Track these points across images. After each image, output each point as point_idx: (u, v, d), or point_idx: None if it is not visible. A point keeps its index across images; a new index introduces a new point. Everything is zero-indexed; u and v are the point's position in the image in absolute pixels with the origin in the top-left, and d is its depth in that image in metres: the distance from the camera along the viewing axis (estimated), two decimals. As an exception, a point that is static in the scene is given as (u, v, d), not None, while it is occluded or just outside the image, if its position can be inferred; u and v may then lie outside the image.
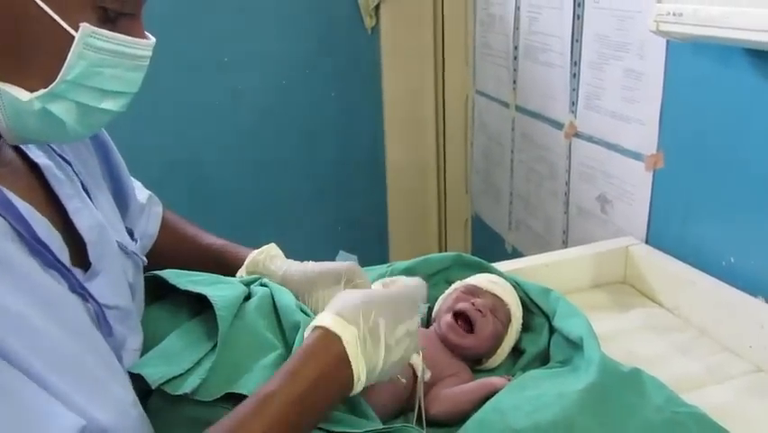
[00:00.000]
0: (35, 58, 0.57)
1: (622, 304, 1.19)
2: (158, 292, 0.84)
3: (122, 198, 0.89)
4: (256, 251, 0.95)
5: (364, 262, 0.98)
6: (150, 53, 0.64)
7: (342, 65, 2.17)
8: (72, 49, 0.57)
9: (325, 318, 0.66)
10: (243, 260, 0.94)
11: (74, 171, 0.74)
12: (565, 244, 1.61)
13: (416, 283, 0.77)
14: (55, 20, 0.56)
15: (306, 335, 0.68)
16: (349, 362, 0.64)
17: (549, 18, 1.56)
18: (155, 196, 0.99)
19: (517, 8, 1.72)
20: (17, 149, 0.68)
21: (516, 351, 1.00)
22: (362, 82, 2.21)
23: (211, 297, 0.77)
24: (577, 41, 1.45)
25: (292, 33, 2.10)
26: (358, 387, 0.66)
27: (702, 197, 1.16)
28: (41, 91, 0.57)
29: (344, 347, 0.64)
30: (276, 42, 2.10)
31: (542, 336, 0.99)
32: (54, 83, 0.58)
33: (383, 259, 2.06)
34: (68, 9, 0.56)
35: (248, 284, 0.87)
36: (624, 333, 1.09)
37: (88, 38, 0.57)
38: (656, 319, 1.13)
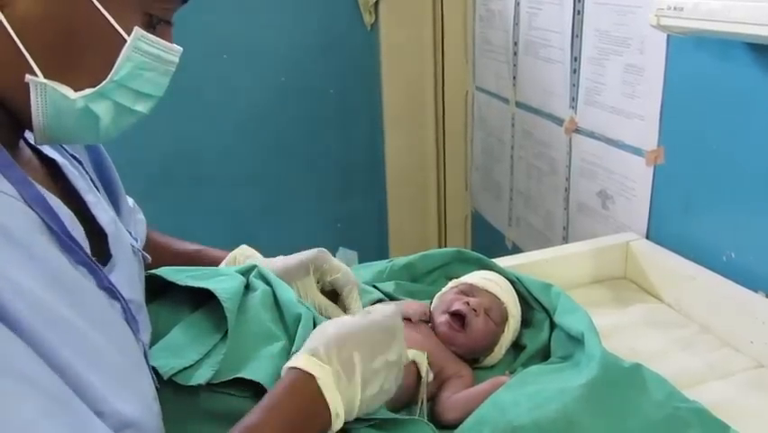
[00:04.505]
0: (85, 58, 0.59)
1: (623, 299, 1.19)
2: (154, 292, 0.84)
3: (114, 200, 0.89)
4: (230, 253, 0.97)
5: (364, 258, 0.98)
6: (177, 60, 0.66)
7: (342, 62, 2.17)
8: (123, 50, 0.59)
9: (299, 360, 0.67)
10: (218, 262, 0.96)
11: (84, 170, 0.76)
12: (566, 240, 1.61)
13: (392, 311, 0.75)
14: (110, 22, 0.58)
15: (282, 374, 0.68)
16: (325, 400, 0.65)
17: (549, 13, 1.55)
18: (136, 204, 0.99)
19: (517, 4, 1.72)
20: (32, 147, 0.69)
21: (517, 347, 1.00)
22: (362, 79, 2.21)
23: (215, 290, 0.78)
24: (577, 36, 1.45)
25: (291, 30, 2.10)
26: (337, 423, 0.66)
27: (703, 192, 1.15)
28: (89, 90, 0.59)
29: (319, 386, 0.65)
30: (275, 39, 2.09)
31: (543, 332, 0.99)
32: (103, 83, 0.60)
33: (383, 255, 2.06)
34: (121, 13, 0.59)
35: (244, 273, 0.88)
36: (624, 328, 1.08)
37: (138, 41, 0.60)
38: (657, 315, 1.13)
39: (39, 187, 0.59)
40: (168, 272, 0.84)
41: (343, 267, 0.92)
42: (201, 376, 0.71)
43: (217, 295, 0.78)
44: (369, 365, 0.68)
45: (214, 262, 0.96)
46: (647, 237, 1.28)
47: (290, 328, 0.80)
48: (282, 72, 2.13)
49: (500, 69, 1.87)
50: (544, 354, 0.97)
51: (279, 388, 0.66)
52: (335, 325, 0.71)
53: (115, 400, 0.53)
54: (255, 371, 0.72)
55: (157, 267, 0.87)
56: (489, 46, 1.94)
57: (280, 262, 0.93)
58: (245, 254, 0.98)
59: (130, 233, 0.84)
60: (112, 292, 0.63)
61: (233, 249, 0.99)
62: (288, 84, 2.14)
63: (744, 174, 1.06)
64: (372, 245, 2.34)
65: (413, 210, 2.37)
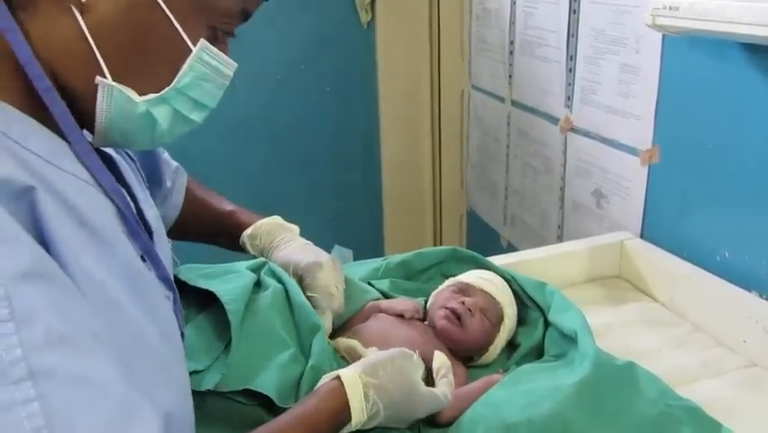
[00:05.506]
0: (153, 64, 0.61)
1: (617, 298, 1.19)
2: None
3: (156, 183, 0.93)
4: (259, 221, 1.01)
5: (359, 256, 0.98)
6: (232, 74, 0.68)
7: (338, 60, 2.17)
8: (188, 60, 0.62)
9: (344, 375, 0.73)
10: (245, 227, 1.00)
11: (137, 167, 0.79)
12: (560, 239, 1.61)
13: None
14: (179, 32, 0.61)
15: (322, 382, 0.74)
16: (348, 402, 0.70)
17: (545, 12, 1.56)
18: (181, 167, 1.03)
19: (513, 3, 1.72)
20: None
21: (511, 345, 1.00)
22: (358, 77, 2.21)
23: (218, 292, 0.79)
24: (573, 35, 1.45)
25: (288, 28, 2.10)
26: (356, 418, 0.71)
27: (697, 191, 1.16)
28: (152, 95, 0.62)
29: (345, 388, 0.71)
30: (271, 38, 2.08)
31: (537, 330, 0.99)
32: (167, 89, 0.62)
33: (378, 253, 2.05)
34: (189, 25, 0.61)
35: (256, 270, 0.88)
36: (618, 327, 1.09)
37: (202, 52, 0.63)
38: (651, 314, 1.13)
39: (113, 178, 0.62)
40: (179, 271, 0.85)
41: (328, 289, 0.90)
42: (210, 381, 0.72)
43: (220, 298, 0.78)
44: (390, 378, 0.73)
45: (243, 226, 1.00)
46: (642, 236, 1.29)
47: (303, 336, 0.81)
48: (279, 71, 2.13)
49: (496, 68, 1.87)
50: (537, 353, 0.97)
51: (316, 400, 0.71)
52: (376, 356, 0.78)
53: (158, 391, 0.54)
54: (264, 382, 0.73)
55: (193, 223, 0.94)
56: (484, 45, 1.94)
57: (284, 252, 0.96)
58: (274, 223, 1.01)
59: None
60: (168, 283, 0.66)
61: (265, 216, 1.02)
62: (284, 82, 2.14)
63: (738, 174, 1.06)
64: (368, 243, 2.34)
65: (408, 208, 2.37)
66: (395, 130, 2.27)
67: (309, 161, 2.24)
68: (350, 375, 0.72)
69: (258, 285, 0.87)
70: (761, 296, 1.02)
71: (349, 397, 0.70)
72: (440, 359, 0.84)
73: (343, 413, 0.70)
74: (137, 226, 0.61)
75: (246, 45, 2.10)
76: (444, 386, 0.80)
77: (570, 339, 0.91)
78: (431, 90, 2.24)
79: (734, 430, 0.79)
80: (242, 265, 0.90)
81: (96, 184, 0.59)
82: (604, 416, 0.77)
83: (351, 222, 2.33)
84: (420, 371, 0.78)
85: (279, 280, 0.88)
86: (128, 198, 0.63)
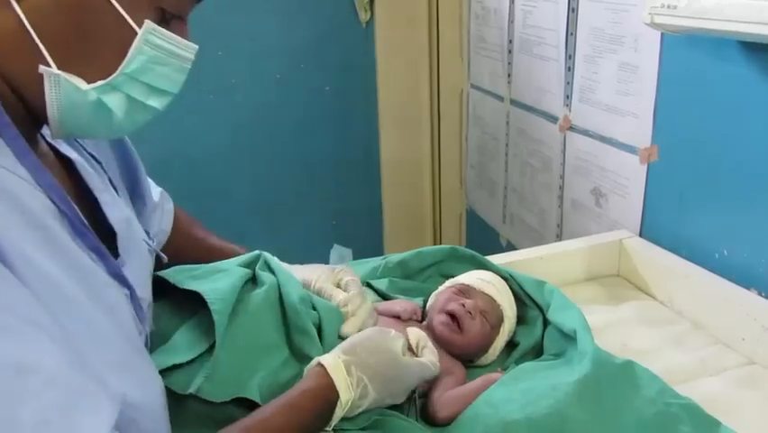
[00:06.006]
0: (97, 50, 0.60)
1: (616, 297, 1.20)
2: (161, 291, 0.84)
3: (138, 198, 0.90)
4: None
5: (358, 255, 0.98)
6: (193, 57, 0.66)
7: (337, 59, 2.17)
8: (134, 43, 0.60)
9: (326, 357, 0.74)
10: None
11: (103, 169, 0.77)
12: (559, 238, 1.61)
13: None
14: (121, 15, 0.59)
15: (308, 368, 0.74)
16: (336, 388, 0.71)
17: (544, 11, 1.56)
18: (165, 192, 1.01)
19: (512, 1, 1.72)
20: (49, 144, 0.70)
21: (511, 344, 1.00)
22: (357, 76, 2.21)
23: (204, 293, 0.78)
24: (571, 34, 1.45)
25: (287, 28, 2.10)
26: (344, 395, 0.71)
27: (696, 190, 1.16)
28: (100, 82, 0.60)
29: (328, 372, 0.71)
30: (271, 37, 2.09)
31: (536, 329, 0.99)
32: (114, 75, 0.60)
33: (377, 253, 2.05)
34: (132, 6, 0.59)
35: (249, 265, 0.88)
36: (617, 325, 1.09)
37: (149, 35, 0.61)
38: (650, 312, 1.14)
39: (51, 175, 0.60)
40: (169, 273, 0.84)
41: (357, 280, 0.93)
42: (195, 384, 0.71)
43: (205, 298, 0.77)
44: (373, 356, 0.74)
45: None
46: (640, 235, 1.29)
47: (294, 339, 0.81)
48: (278, 70, 2.13)
49: (495, 67, 1.87)
50: (537, 351, 0.97)
51: (301, 390, 0.70)
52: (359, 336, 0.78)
53: (113, 381, 0.54)
54: (255, 389, 0.73)
55: (186, 259, 0.90)
56: (483, 44, 1.94)
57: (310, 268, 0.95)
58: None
59: (147, 233, 0.85)
60: (121, 279, 0.65)
61: (258, 241, 1.00)
62: (283, 81, 2.14)
63: (737, 172, 1.06)
64: (367, 243, 2.34)
65: (407, 208, 2.37)
66: (394, 129, 2.28)
67: (308, 160, 2.24)
68: (329, 357, 0.72)
69: (255, 281, 0.87)
70: (760, 294, 1.02)
71: (332, 375, 0.70)
72: (415, 334, 0.85)
73: (329, 392, 0.70)
74: (79, 225, 0.60)
75: (245, 44, 2.11)
76: (429, 354, 0.81)
77: (569, 338, 0.91)
78: (430, 89, 2.24)
79: (732, 428, 0.79)
80: (233, 263, 0.89)
81: (35, 183, 0.58)
82: (603, 414, 0.77)
83: (350, 221, 2.33)
84: (399, 343, 0.78)
85: (274, 274, 0.87)
86: (68, 198, 0.61)
